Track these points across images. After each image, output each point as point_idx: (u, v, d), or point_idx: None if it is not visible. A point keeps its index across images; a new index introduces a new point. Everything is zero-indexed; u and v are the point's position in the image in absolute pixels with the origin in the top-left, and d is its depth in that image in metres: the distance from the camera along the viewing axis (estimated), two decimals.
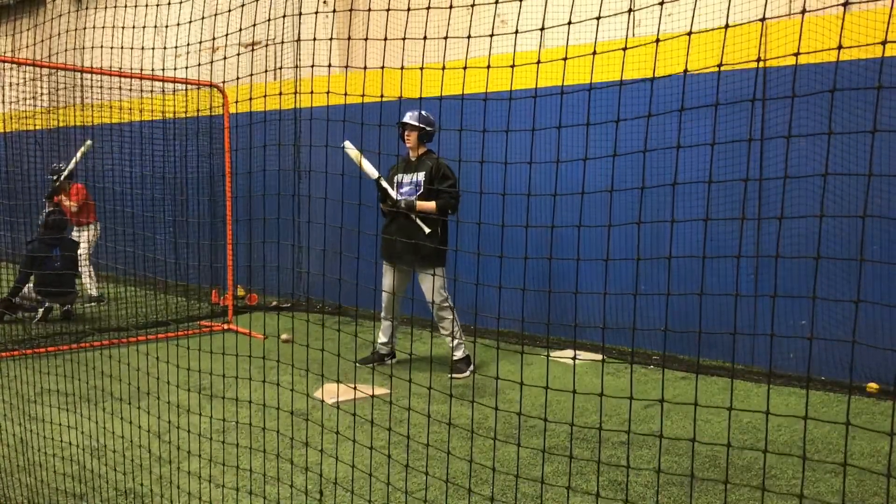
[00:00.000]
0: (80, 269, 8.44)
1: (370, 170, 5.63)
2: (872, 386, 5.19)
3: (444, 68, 2.11)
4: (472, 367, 5.74)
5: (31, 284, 7.42)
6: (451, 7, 2.15)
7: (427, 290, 5.63)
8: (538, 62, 2.16)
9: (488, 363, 6.10)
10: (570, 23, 1.97)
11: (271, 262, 8.50)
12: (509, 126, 2.27)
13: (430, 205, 5.58)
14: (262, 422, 3.36)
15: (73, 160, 8.02)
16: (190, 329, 7.29)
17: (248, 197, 7.86)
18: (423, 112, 5.78)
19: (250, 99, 2.95)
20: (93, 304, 8.51)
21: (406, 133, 5.76)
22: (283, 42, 7.81)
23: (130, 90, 7.59)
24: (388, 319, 5.92)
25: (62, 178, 8.15)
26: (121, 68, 6.11)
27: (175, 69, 3.78)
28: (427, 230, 5.52)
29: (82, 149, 7.90)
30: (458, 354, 5.79)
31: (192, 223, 8.73)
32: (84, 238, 8.56)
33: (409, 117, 5.72)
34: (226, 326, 7.32)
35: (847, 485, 3.57)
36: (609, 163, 6.10)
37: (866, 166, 5.13)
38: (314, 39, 2.51)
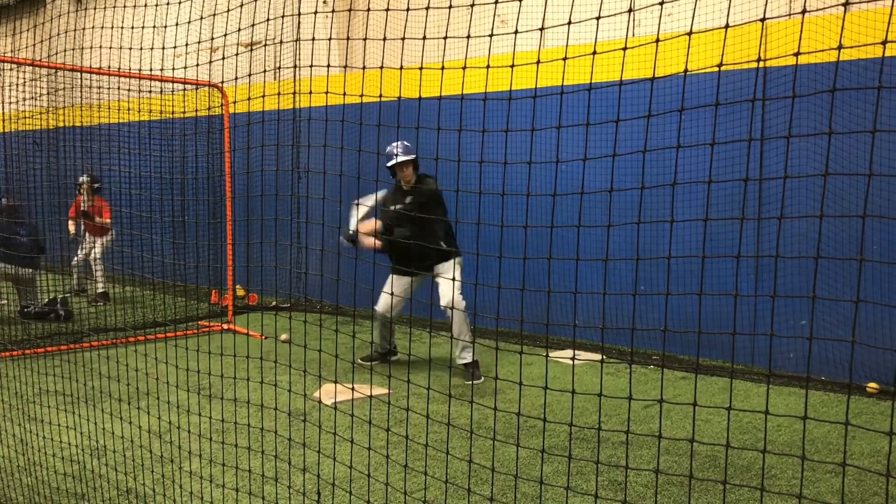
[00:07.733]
0: (94, 269, 8.68)
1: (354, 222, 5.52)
2: (872, 386, 5.19)
3: (443, 68, 2.11)
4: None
5: None
6: (450, 7, 2.15)
7: (444, 293, 5.48)
8: (538, 62, 2.16)
9: (488, 363, 6.10)
10: (569, 23, 1.97)
11: (270, 262, 8.50)
12: (509, 126, 2.26)
13: (369, 226, 5.45)
14: (261, 422, 3.36)
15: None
16: (189, 329, 7.29)
17: (247, 197, 7.86)
18: (405, 143, 5.57)
19: (248, 99, 2.95)
20: (98, 303, 8.54)
21: (403, 168, 5.53)
22: (282, 42, 7.81)
23: (129, 90, 7.58)
24: (386, 321, 5.88)
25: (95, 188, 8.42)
26: (120, 68, 6.10)
27: (174, 69, 3.78)
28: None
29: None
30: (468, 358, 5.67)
31: (192, 223, 8.73)
32: (100, 242, 8.83)
33: (403, 154, 5.47)
34: (225, 326, 7.32)
35: (847, 485, 3.57)
36: (609, 163, 6.10)
37: (866, 166, 5.12)
38: (313, 39, 2.50)
